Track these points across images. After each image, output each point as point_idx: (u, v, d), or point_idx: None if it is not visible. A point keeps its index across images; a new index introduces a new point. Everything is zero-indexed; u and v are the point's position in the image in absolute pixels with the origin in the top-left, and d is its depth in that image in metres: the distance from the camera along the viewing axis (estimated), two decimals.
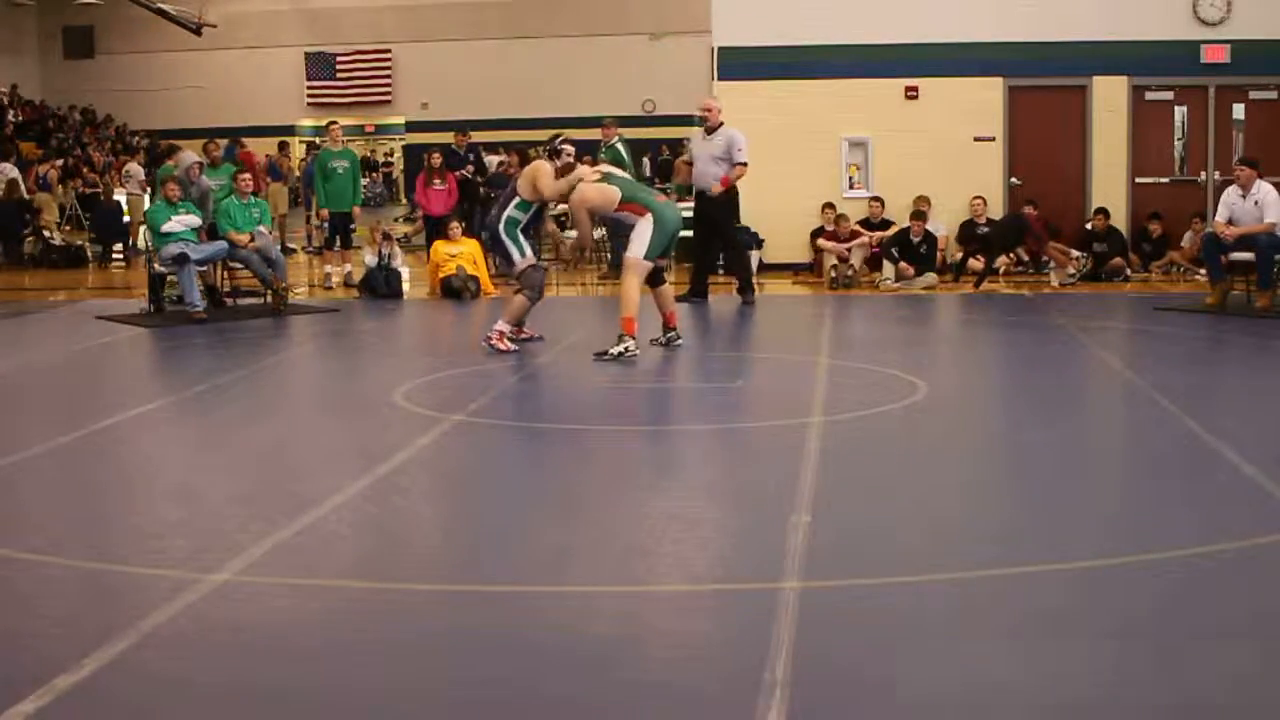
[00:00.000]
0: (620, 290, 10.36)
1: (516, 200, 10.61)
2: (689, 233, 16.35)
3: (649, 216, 10.34)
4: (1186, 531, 5.59)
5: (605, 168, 11.34)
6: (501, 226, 10.59)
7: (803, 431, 7.51)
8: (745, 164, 13.46)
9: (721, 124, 13.54)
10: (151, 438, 8.06)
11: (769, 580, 4.92)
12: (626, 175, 10.99)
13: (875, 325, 12.85)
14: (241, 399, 9.37)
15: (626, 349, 9.99)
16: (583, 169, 10.87)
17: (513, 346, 10.34)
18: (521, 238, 10.58)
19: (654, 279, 10.61)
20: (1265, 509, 5.86)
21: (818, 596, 4.77)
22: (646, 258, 10.30)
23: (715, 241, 14.07)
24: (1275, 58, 15.92)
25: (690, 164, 13.92)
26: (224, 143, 17.08)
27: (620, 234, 11.83)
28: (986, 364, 10.87)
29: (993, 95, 16.37)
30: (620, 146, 16.27)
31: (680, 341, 10.68)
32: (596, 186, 10.62)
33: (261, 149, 25.19)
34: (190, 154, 16.86)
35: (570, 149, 10.84)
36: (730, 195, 13.63)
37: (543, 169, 10.61)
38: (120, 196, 21.93)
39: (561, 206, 12.25)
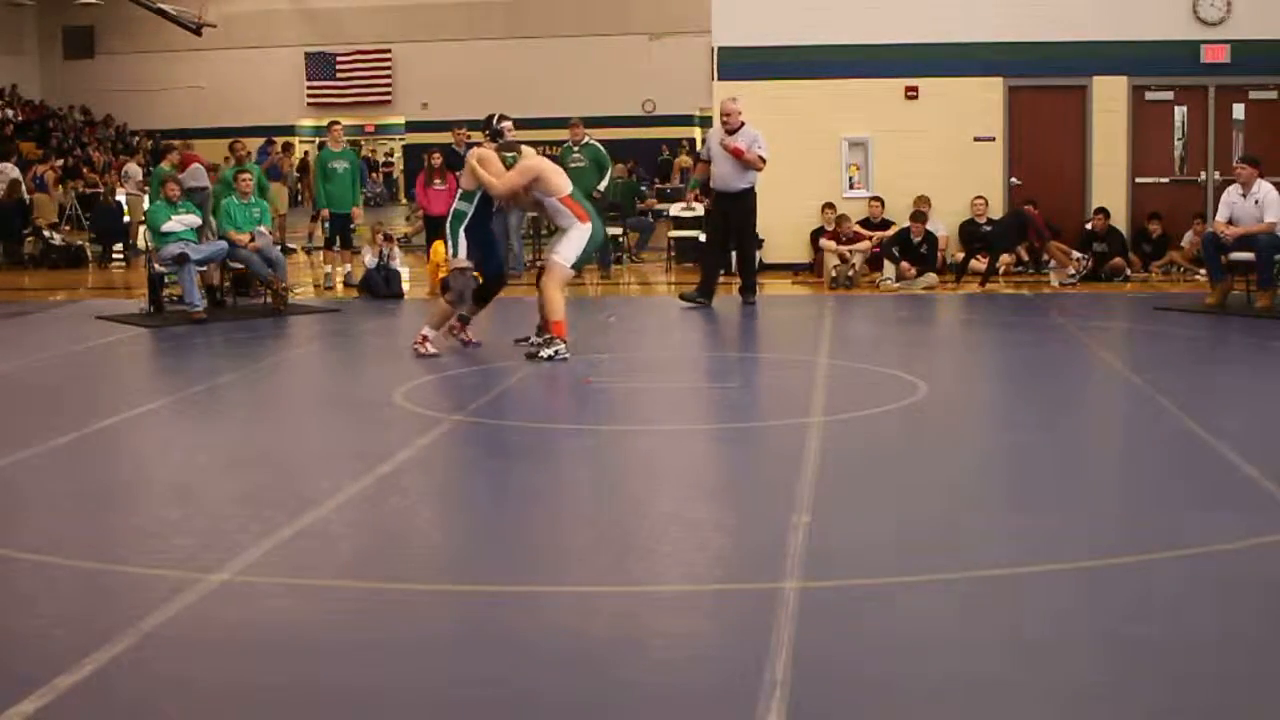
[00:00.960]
0: (543, 294, 10.15)
1: (460, 191, 10.50)
2: (694, 233, 16.46)
3: (587, 225, 10.17)
4: (1186, 531, 5.59)
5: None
6: (449, 220, 10.52)
7: (803, 431, 7.51)
8: (764, 159, 13.32)
9: (743, 124, 13.40)
10: (151, 438, 8.06)
11: (769, 580, 4.92)
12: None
13: (875, 325, 12.85)
14: (241, 399, 9.37)
15: (557, 352, 9.89)
16: (529, 150, 10.58)
17: (434, 350, 10.24)
18: (462, 234, 10.29)
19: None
20: (1265, 509, 5.86)
21: (818, 596, 4.77)
22: (573, 266, 10.23)
23: (729, 242, 13.97)
24: (1275, 58, 15.91)
25: (708, 161, 13.77)
26: (250, 142, 17.11)
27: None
28: (986, 364, 10.87)
29: (993, 95, 16.35)
30: (598, 145, 16.29)
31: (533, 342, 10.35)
32: (555, 169, 10.50)
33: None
34: (200, 168, 16.90)
35: (510, 124, 10.61)
36: (750, 197, 13.51)
37: (485, 156, 10.26)
38: (121, 196, 21.93)
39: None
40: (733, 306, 13.55)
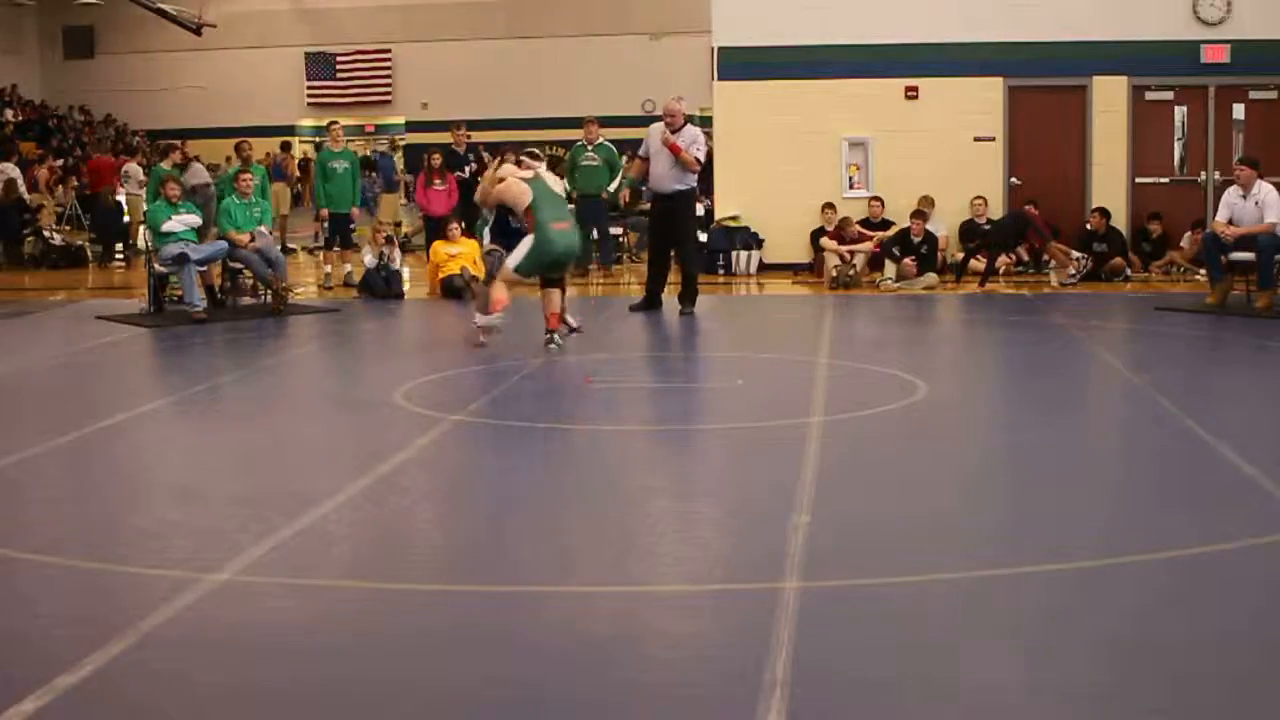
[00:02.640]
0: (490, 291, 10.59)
1: None
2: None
3: (531, 236, 10.35)
4: (1186, 531, 5.59)
5: (543, 174, 10.92)
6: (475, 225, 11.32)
7: (803, 431, 7.51)
8: (699, 160, 12.99)
9: (686, 124, 13.01)
10: (151, 438, 8.06)
11: (769, 580, 4.92)
12: (556, 191, 10.91)
13: (875, 325, 12.84)
14: (241, 399, 9.37)
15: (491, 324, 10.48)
16: (508, 168, 10.83)
17: (485, 341, 10.60)
18: (486, 231, 11.04)
19: (550, 281, 10.57)
20: (1265, 509, 5.86)
21: (818, 596, 4.77)
22: (515, 271, 10.40)
23: (668, 245, 13.12)
24: (1275, 58, 15.91)
25: (645, 159, 13.22)
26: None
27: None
28: (986, 364, 10.87)
29: (993, 95, 16.36)
30: (611, 146, 16.29)
31: (554, 346, 10.45)
32: (518, 184, 10.56)
33: (262, 148, 25.14)
34: (201, 167, 16.91)
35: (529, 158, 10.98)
36: (688, 200, 13.07)
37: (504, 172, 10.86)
38: (121, 196, 21.92)
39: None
40: (727, 307, 13.53)
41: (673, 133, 12.95)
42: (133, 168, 23.24)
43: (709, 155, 17.48)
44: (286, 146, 25.42)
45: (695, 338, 12.10)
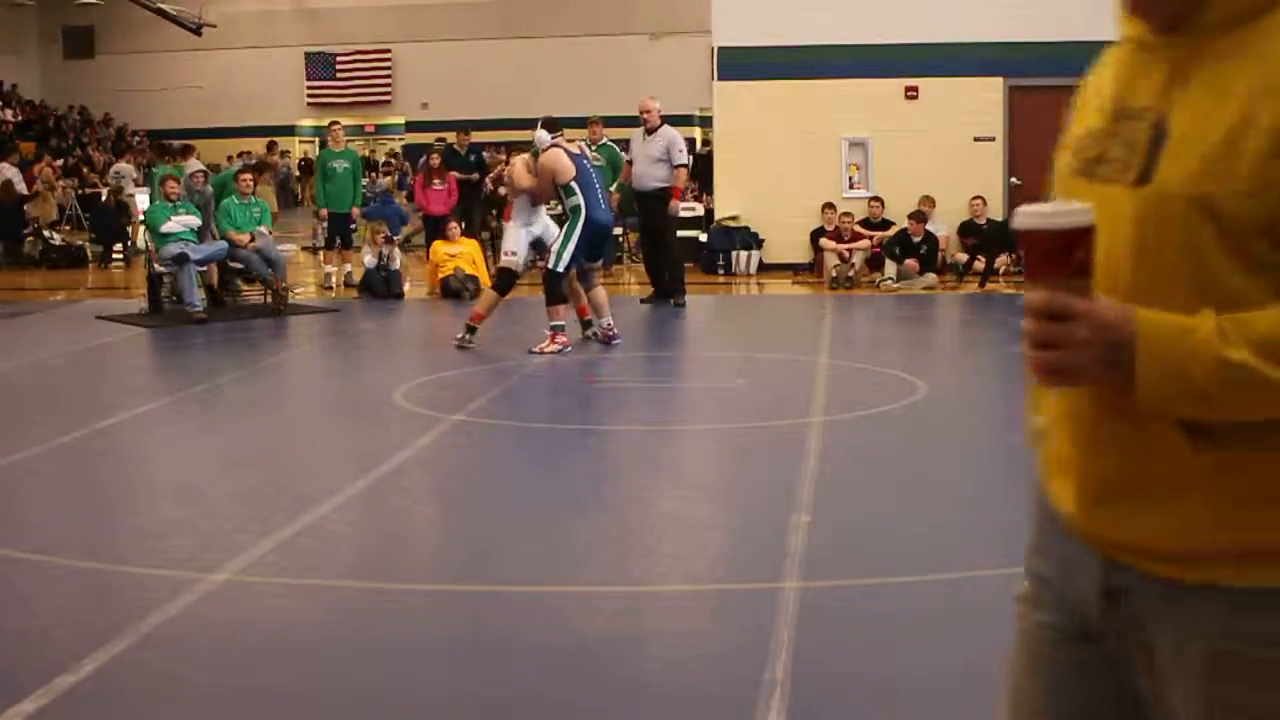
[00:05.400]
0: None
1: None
2: (694, 233, 16.45)
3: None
4: None
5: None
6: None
7: (803, 431, 7.51)
8: (685, 165, 13.37)
9: (661, 124, 13.37)
10: (151, 438, 8.06)
11: (769, 580, 4.92)
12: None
13: (875, 325, 12.84)
14: (241, 399, 9.37)
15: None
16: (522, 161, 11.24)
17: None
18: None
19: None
20: None
21: (818, 596, 4.77)
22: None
23: (655, 238, 13.72)
24: None
25: (631, 162, 13.67)
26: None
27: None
28: (986, 364, 10.86)
29: (993, 95, 16.35)
30: (614, 146, 16.32)
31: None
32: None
33: (262, 148, 25.19)
34: (196, 162, 16.95)
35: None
36: (667, 194, 13.32)
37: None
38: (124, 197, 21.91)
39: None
40: (727, 307, 13.53)
41: (648, 132, 13.34)
42: (122, 167, 23.23)
43: (709, 155, 17.64)
44: (272, 147, 25.44)
45: (695, 337, 12.10)
